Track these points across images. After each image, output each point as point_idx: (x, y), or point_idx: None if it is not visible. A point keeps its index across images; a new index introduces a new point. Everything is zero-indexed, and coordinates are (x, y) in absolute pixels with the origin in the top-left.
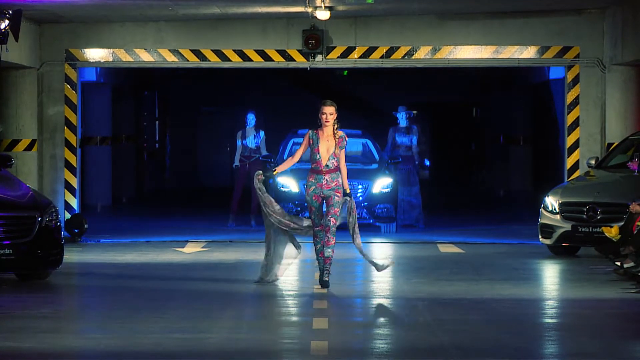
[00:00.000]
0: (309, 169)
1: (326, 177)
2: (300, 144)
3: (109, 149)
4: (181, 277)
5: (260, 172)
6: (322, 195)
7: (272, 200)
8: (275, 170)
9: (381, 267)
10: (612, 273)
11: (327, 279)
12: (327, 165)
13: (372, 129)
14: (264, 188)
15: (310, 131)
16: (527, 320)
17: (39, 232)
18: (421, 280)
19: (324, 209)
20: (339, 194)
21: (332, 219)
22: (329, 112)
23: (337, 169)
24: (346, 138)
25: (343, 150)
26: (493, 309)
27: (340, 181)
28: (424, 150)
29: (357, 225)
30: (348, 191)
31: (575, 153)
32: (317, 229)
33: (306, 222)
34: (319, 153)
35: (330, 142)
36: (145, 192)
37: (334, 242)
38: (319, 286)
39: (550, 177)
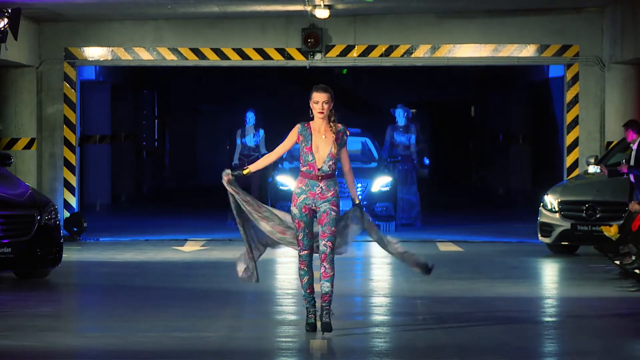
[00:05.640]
0: (300, 172)
1: (321, 185)
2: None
3: (108, 147)
4: (180, 276)
5: (228, 171)
6: (314, 208)
7: (256, 202)
8: (246, 168)
9: (427, 269)
10: (612, 271)
11: (328, 320)
12: (323, 170)
13: (370, 127)
14: (237, 186)
15: (299, 125)
16: (526, 319)
17: (38, 230)
18: (420, 278)
19: (318, 227)
20: (335, 208)
21: (329, 243)
22: (323, 100)
23: (335, 174)
24: (347, 132)
25: (345, 148)
26: (492, 308)
27: (337, 190)
28: (423, 149)
29: (383, 236)
30: (357, 202)
31: (575, 151)
32: (304, 252)
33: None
34: (311, 153)
35: (327, 139)
36: (145, 191)
37: (332, 273)
38: (312, 329)
39: (549, 175)
